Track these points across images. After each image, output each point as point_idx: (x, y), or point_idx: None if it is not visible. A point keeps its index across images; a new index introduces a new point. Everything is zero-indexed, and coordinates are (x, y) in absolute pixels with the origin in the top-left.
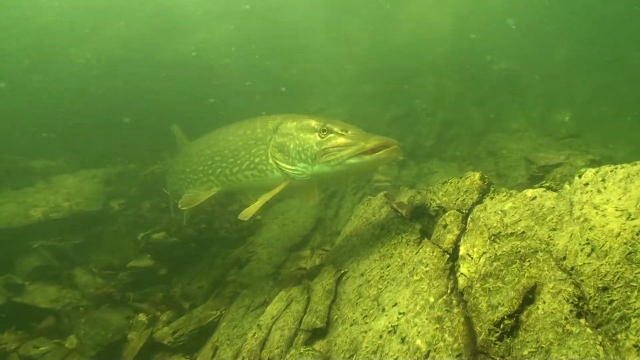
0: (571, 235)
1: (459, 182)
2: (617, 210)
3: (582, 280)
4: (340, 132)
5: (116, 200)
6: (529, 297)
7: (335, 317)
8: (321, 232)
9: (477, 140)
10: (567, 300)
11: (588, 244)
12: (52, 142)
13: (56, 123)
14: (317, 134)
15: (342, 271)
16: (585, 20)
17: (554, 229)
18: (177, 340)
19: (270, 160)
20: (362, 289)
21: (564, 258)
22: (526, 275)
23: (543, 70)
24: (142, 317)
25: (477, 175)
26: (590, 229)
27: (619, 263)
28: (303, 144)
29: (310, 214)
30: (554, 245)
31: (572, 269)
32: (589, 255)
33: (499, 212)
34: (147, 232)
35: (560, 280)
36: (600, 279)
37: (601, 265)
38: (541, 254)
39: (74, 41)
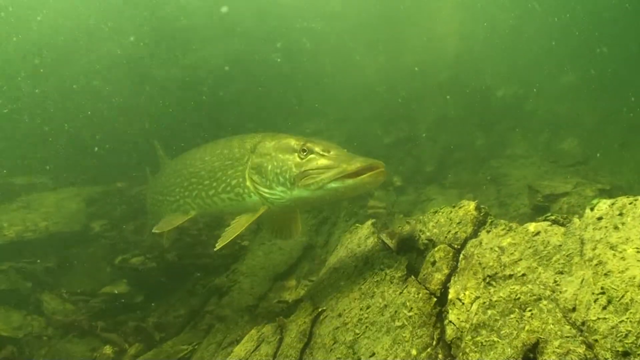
0: (582, 281)
1: (451, 212)
2: (638, 252)
3: (596, 341)
4: (321, 153)
5: (98, 220)
6: (530, 356)
7: None
8: (310, 261)
9: (480, 166)
10: None
11: (603, 293)
12: (39, 158)
13: (44, 139)
14: (296, 154)
15: (320, 309)
16: (593, 45)
17: (561, 273)
18: None
19: (248, 183)
20: (338, 332)
21: (573, 309)
22: (527, 328)
23: (548, 96)
24: (107, 349)
25: (472, 204)
26: (605, 274)
27: None
28: (281, 165)
29: (299, 241)
30: (560, 292)
31: (583, 324)
32: (604, 308)
33: (496, 248)
34: (125, 256)
35: (568, 337)
36: (620, 341)
37: (621, 322)
38: (545, 302)
39: (71, 58)
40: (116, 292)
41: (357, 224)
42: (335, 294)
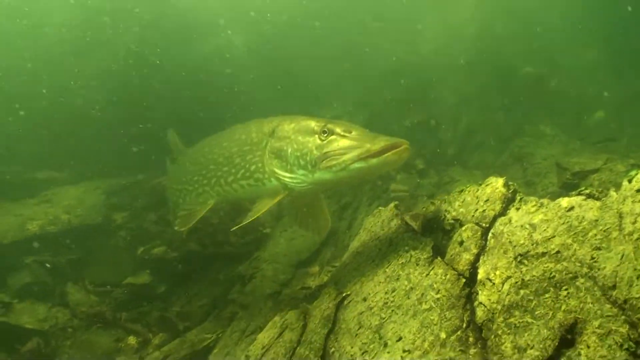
0: (622, 257)
1: (478, 190)
2: None
3: None
4: (342, 134)
5: (119, 212)
6: (567, 337)
7: (332, 350)
8: (333, 247)
9: (504, 148)
10: (620, 346)
11: None
12: (59, 152)
13: (63, 132)
14: (317, 136)
15: (344, 294)
16: (617, 21)
17: (599, 248)
18: None
19: (267, 168)
20: (363, 317)
21: (614, 287)
22: (563, 308)
23: (573, 74)
24: (132, 340)
25: (500, 181)
26: None
27: None
28: (302, 148)
29: (321, 237)
30: (599, 269)
31: (625, 302)
32: None
33: (527, 226)
34: (147, 247)
35: (609, 316)
36: None
37: None
38: (582, 280)
39: (85, 49)
40: (139, 282)
41: (379, 207)
42: (359, 277)
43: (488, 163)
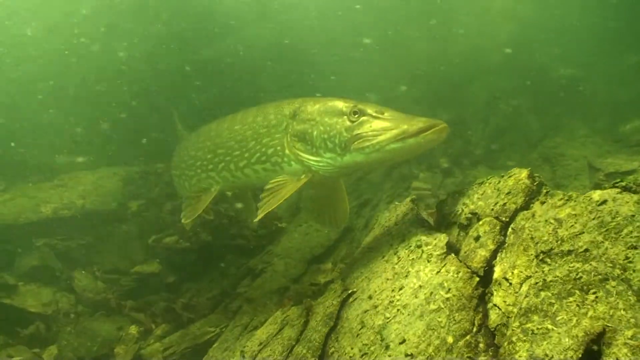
0: None
1: (500, 181)
2: None
3: None
4: (375, 115)
5: (135, 200)
6: (593, 348)
7: (332, 350)
8: (348, 244)
9: (533, 149)
10: None
11: None
12: (81, 138)
13: (86, 120)
14: (346, 117)
15: (350, 291)
16: None
17: (635, 247)
18: (167, 358)
19: (287, 151)
20: (366, 316)
21: None
22: (590, 314)
23: (610, 78)
24: (133, 329)
25: (525, 172)
26: None
27: None
28: (329, 130)
29: (340, 229)
30: (634, 271)
31: None
32: None
33: (552, 221)
34: (159, 236)
35: None
36: None
37: None
38: (614, 283)
39: (108, 39)
40: (148, 271)
41: (396, 202)
42: (367, 274)
43: (515, 163)
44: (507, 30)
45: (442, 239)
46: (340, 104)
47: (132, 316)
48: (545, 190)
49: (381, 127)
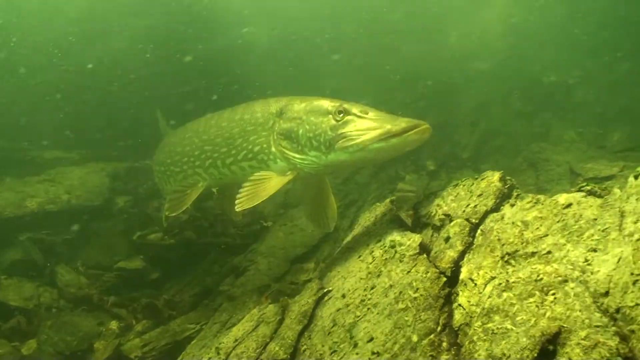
0: (619, 260)
1: (473, 183)
2: None
3: (633, 332)
4: (359, 114)
5: (122, 196)
6: (548, 348)
7: (304, 347)
8: (331, 244)
9: (519, 153)
10: None
11: None
12: (70, 133)
13: (75, 116)
14: (331, 116)
15: (325, 290)
16: None
17: (594, 250)
18: (146, 355)
19: (273, 149)
20: (339, 314)
21: (606, 294)
22: (548, 315)
23: (600, 85)
24: (114, 324)
25: (496, 175)
26: None
27: None
28: (315, 129)
29: (329, 229)
30: (592, 273)
31: (617, 311)
32: None
33: (519, 223)
34: (144, 232)
35: (598, 327)
36: None
37: None
38: (573, 285)
39: (99, 35)
40: (131, 267)
41: (377, 203)
42: (343, 273)
43: (501, 168)
44: (500, 36)
45: (415, 239)
46: (326, 103)
47: (113, 312)
48: (516, 193)
49: (365, 126)
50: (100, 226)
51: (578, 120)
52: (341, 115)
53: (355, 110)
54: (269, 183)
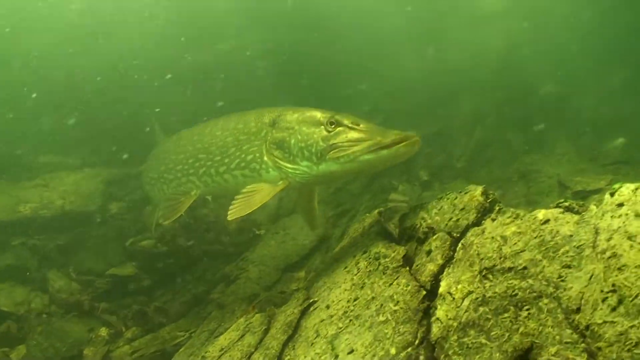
0: (591, 277)
1: (457, 197)
2: None
3: (600, 349)
4: (351, 126)
5: (116, 202)
6: None
7: (287, 358)
8: (323, 253)
9: (512, 163)
10: None
11: (614, 291)
12: (66, 137)
13: (71, 118)
14: (323, 127)
15: (311, 300)
16: None
17: (569, 267)
18: None
19: (266, 158)
20: (322, 325)
21: (578, 310)
22: (521, 330)
23: (595, 95)
24: (103, 331)
25: (479, 189)
26: (619, 269)
27: None
28: (306, 139)
29: (314, 232)
30: (565, 289)
31: (587, 327)
32: (613, 309)
33: (498, 238)
34: (137, 238)
35: (568, 343)
36: (628, 350)
37: (632, 327)
38: (546, 300)
39: (96, 42)
40: (123, 274)
41: (366, 214)
42: (329, 284)
43: (493, 178)
44: (495, 46)
45: (400, 251)
46: (318, 114)
47: (103, 318)
48: (497, 208)
49: (356, 137)
50: (94, 232)
51: (573, 130)
52: (333, 126)
53: (346, 121)
54: (261, 193)
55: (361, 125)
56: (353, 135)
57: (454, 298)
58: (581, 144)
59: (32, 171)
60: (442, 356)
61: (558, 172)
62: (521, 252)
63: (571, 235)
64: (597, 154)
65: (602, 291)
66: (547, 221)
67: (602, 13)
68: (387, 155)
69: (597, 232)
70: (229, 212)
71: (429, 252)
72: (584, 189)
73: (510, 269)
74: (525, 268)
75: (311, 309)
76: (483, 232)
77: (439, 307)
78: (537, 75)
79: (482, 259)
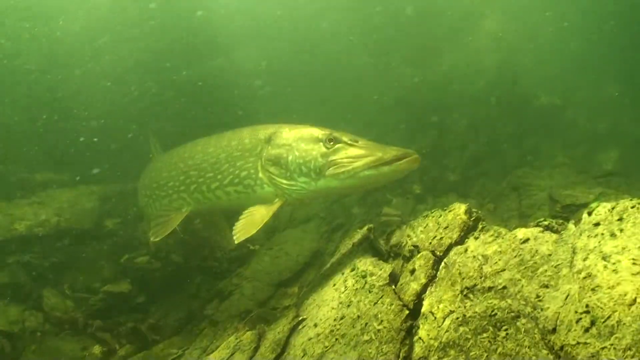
0: (567, 297)
1: (441, 215)
2: (635, 264)
3: None
4: (350, 142)
5: (112, 219)
6: None
7: None
8: (316, 268)
9: (506, 176)
10: None
11: (587, 312)
12: (61, 155)
13: (66, 135)
14: (322, 144)
15: (300, 318)
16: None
17: (546, 286)
18: None
19: (260, 174)
20: (309, 344)
21: (554, 330)
22: (499, 350)
23: (590, 107)
24: (97, 349)
25: (463, 207)
26: (593, 289)
27: (629, 349)
28: (305, 155)
29: (308, 247)
30: (542, 309)
31: (561, 348)
32: (586, 330)
33: (480, 257)
34: (131, 255)
35: None
36: None
37: (603, 348)
38: (524, 320)
39: (92, 55)
40: (117, 291)
41: (357, 230)
42: (318, 301)
43: (486, 192)
44: (490, 58)
45: (386, 269)
46: (315, 131)
47: (97, 336)
48: (481, 226)
49: (356, 154)
50: (88, 249)
51: (567, 142)
52: (331, 143)
53: (345, 138)
54: (259, 214)
55: (360, 142)
56: (353, 151)
57: (435, 317)
58: (575, 155)
59: (28, 189)
60: None
61: (550, 185)
62: (501, 271)
63: (550, 255)
64: (589, 166)
65: (576, 312)
66: (526, 240)
67: (596, 25)
68: (388, 171)
69: (574, 252)
70: (235, 236)
71: (412, 271)
72: (573, 202)
73: (490, 289)
74: (504, 287)
75: (300, 326)
76: (465, 250)
77: (421, 326)
78: (531, 87)
79: (463, 278)
